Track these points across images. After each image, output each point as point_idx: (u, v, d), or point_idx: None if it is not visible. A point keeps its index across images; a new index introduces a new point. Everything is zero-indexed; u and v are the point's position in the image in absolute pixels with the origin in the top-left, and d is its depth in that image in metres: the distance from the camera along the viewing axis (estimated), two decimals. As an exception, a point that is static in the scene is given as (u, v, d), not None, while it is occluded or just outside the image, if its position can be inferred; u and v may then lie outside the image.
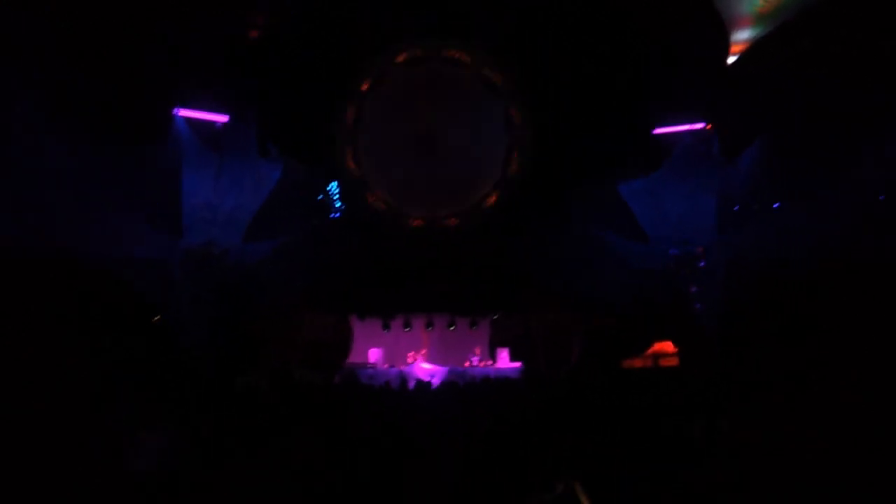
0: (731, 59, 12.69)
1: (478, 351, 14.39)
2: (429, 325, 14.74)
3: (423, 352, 14.45)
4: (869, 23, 11.07)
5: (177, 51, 12.25)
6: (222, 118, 13.54)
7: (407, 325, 14.67)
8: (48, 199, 10.87)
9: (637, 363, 12.96)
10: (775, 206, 13.24)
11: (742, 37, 12.53)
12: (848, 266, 11.39)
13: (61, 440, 6.57)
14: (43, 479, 5.86)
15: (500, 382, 11.26)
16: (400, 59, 14.45)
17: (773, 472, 6.16)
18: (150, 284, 12.38)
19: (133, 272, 11.97)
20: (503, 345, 14.30)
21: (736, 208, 13.49)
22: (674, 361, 12.93)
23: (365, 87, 14.51)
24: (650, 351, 13.21)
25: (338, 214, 14.47)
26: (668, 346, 13.18)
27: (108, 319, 11.29)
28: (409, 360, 14.16)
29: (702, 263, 13.59)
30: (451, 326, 14.77)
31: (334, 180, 14.48)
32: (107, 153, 11.62)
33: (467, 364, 14.03)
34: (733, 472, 6.30)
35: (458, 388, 10.47)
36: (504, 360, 13.94)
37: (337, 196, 14.49)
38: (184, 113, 13.36)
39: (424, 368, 13.35)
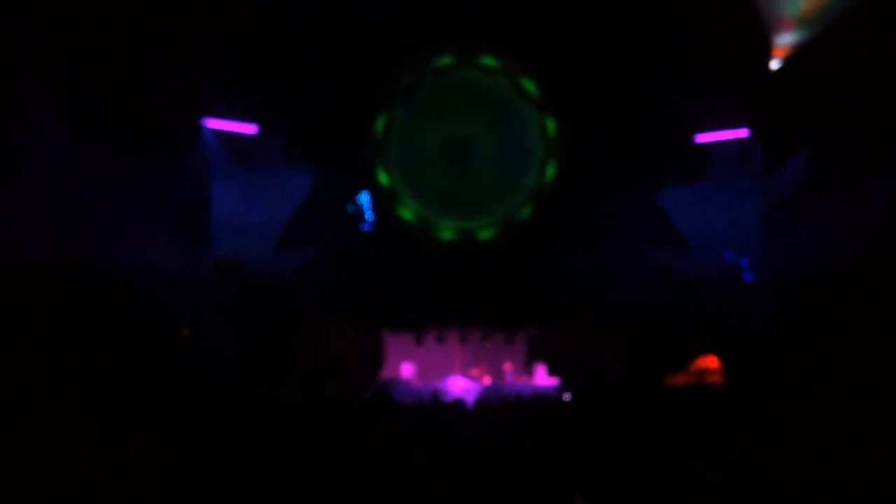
0: (774, 65, 12.40)
1: (507, 367, 14.01)
2: (463, 339, 14.39)
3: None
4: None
5: (204, 60, 12.17)
6: (251, 129, 13.43)
7: (440, 339, 14.33)
8: (73, 209, 10.79)
9: (680, 380, 12.56)
10: (821, 213, 12.84)
11: (785, 41, 12.24)
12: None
13: (79, 453, 6.43)
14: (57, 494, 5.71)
15: (538, 399, 10.96)
16: (432, 67, 14.21)
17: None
18: (177, 296, 12.26)
19: (159, 283, 11.85)
20: (540, 360, 13.93)
21: (781, 217, 13.07)
22: (718, 378, 12.53)
23: (397, 96, 14.29)
24: (693, 367, 12.78)
25: (369, 226, 14.23)
26: (712, 362, 12.74)
27: (132, 331, 11.19)
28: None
29: (746, 275, 13.17)
30: (486, 341, 14.41)
31: (365, 191, 14.24)
32: (134, 164, 11.57)
33: (489, 380, 13.67)
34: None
35: (495, 406, 10.17)
36: (542, 376, 13.57)
37: (368, 208, 14.25)
38: (212, 124, 13.26)
39: (459, 385, 13.00)
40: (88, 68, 10.89)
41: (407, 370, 13.74)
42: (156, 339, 11.66)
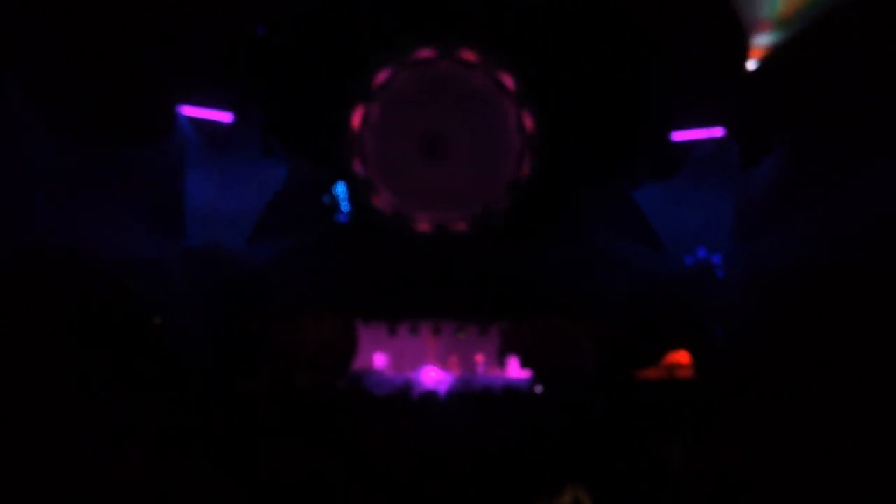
0: (750, 65, 12.47)
1: (479, 359, 14.05)
2: (436, 330, 14.39)
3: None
4: (893, 27, 10.86)
5: (179, 48, 12.03)
6: (227, 117, 13.30)
7: (413, 330, 14.32)
8: (45, 198, 10.63)
9: (651, 374, 12.66)
10: (796, 214, 12.94)
11: (762, 42, 12.32)
12: (871, 274, 11.17)
13: (57, 442, 6.38)
14: (38, 480, 5.66)
15: (510, 391, 10.99)
16: (410, 59, 14.18)
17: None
18: (151, 285, 12.13)
19: (133, 273, 11.72)
20: (513, 352, 13.96)
21: (755, 216, 13.16)
22: (689, 373, 12.64)
23: (374, 86, 14.24)
24: (665, 362, 12.88)
25: (344, 217, 14.17)
26: (683, 357, 12.85)
27: (106, 320, 11.07)
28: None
29: (719, 272, 13.27)
30: (459, 333, 14.42)
31: (341, 182, 14.17)
32: (107, 152, 11.40)
33: (460, 371, 13.68)
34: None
35: (467, 397, 10.20)
36: (514, 368, 13.61)
37: (344, 198, 14.19)
38: (187, 111, 13.11)
39: (432, 376, 13.01)
40: (61, 56, 10.71)
41: (380, 360, 13.72)
42: (128, 327, 11.55)
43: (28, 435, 6.39)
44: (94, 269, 11.06)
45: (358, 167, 14.44)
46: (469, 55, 14.29)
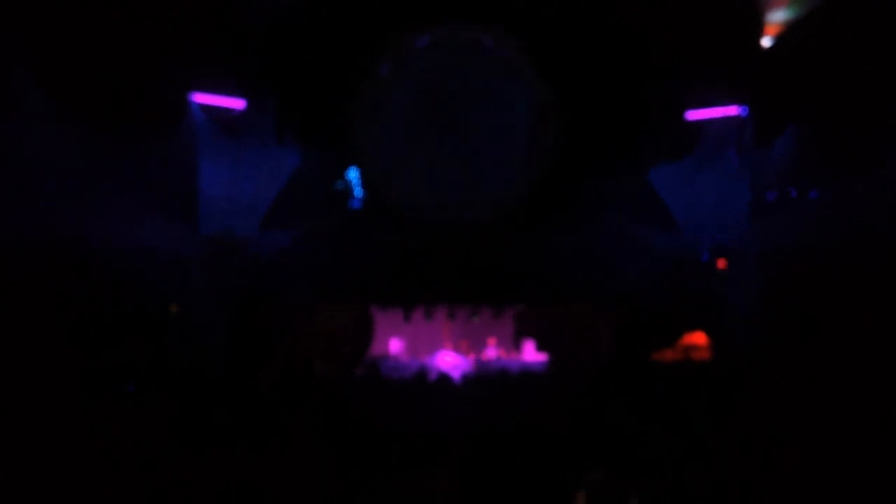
0: (765, 42, 12.33)
1: (494, 343, 14.05)
2: (451, 315, 14.41)
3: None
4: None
5: (190, 35, 11.99)
6: (239, 104, 13.27)
7: (428, 314, 14.34)
8: (57, 189, 10.67)
9: (668, 356, 12.65)
10: (811, 194, 12.84)
11: (777, 18, 12.17)
12: (888, 255, 11.10)
13: (70, 435, 6.44)
14: (46, 474, 5.72)
15: (526, 375, 11.02)
16: (424, 44, 14.08)
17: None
18: (166, 275, 12.19)
19: (148, 263, 11.76)
20: (528, 336, 13.97)
21: (770, 196, 13.06)
22: (705, 354, 12.62)
23: (386, 71, 14.16)
24: (681, 344, 12.87)
25: (358, 203, 14.16)
26: (699, 339, 12.83)
27: (123, 310, 11.14)
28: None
29: (734, 252, 13.19)
30: (474, 317, 14.43)
31: (353, 168, 14.15)
32: (119, 141, 11.41)
33: (477, 355, 13.69)
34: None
35: (483, 381, 10.23)
36: (530, 352, 13.63)
37: (357, 185, 14.17)
38: (199, 99, 13.09)
39: (448, 360, 13.05)
40: (71, 46, 10.70)
41: (395, 346, 13.77)
42: (145, 316, 11.63)
43: (47, 426, 6.46)
44: (110, 259, 11.13)
45: (370, 153, 14.38)
46: (483, 41, 14.16)
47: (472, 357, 13.49)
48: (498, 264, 13.90)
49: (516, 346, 14.14)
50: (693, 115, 13.50)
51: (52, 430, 6.41)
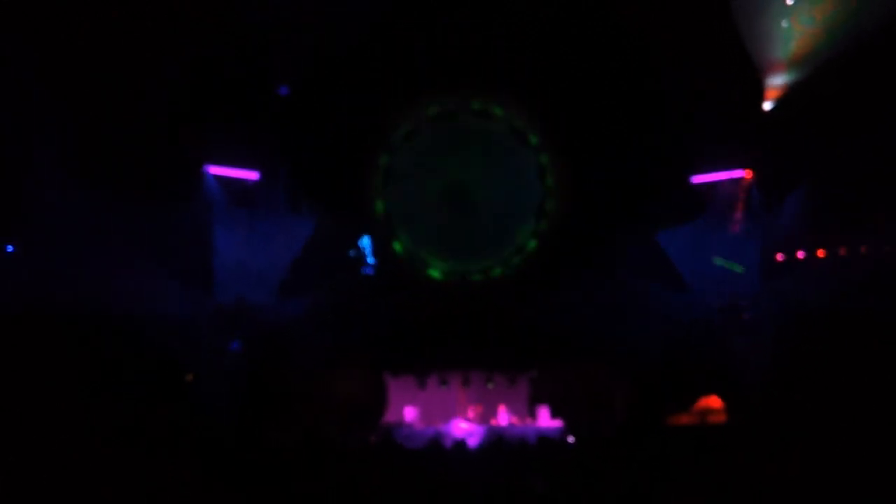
0: (766, 105, 12.54)
1: (508, 409, 13.90)
2: (465, 382, 14.32)
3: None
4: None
5: (206, 109, 12.33)
6: (253, 175, 13.52)
7: (443, 381, 14.26)
8: (76, 255, 10.87)
9: (684, 420, 12.52)
10: (820, 254, 12.90)
11: (777, 82, 12.40)
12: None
13: (87, 498, 6.44)
14: None
15: (542, 442, 10.91)
16: (431, 112, 14.44)
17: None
18: (182, 342, 12.26)
19: (162, 330, 11.86)
20: (543, 402, 13.83)
21: (780, 257, 13.11)
22: (721, 418, 12.49)
23: (396, 140, 14.47)
24: (696, 407, 12.75)
25: (370, 270, 14.27)
26: (714, 402, 12.71)
27: (139, 378, 11.19)
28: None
29: (747, 315, 13.17)
30: (490, 383, 14.34)
31: (365, 235, 14.32)
32: (137, 211, 11.66)
33: (493, 422, 13.52)
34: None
35: (498, 448, 10.13)
36: (544, 418, 13.48)
37: (369, 251, 14.32)
38: (214, 170, 13.35)
39: (462, 427, 12.92)
40: (93, 117, 11.03)
41: (410, 413, 13.66)
42: (160, 384, 11.66)
43: (52, 490, 6.46)
44: (127, 326, 11.24)
45: (382, 219, 14.59)
46: (487, 106, 14.49)
47: (486, 424, 13.33)
48: (511, 329, 13.90)
49: (531, 412, 13.99)
50: (699, 178, 13.65)
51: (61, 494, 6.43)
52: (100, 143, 11.22)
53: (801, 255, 12.97)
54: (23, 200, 10.53)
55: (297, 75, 13.14)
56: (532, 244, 14.72)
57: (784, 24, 11.59)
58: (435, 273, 14.71)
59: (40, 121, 10.61)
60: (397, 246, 14.68)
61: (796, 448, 8.34)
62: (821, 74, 11.76)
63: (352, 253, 14.26)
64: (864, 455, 7.50)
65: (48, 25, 10.17)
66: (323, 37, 12.74)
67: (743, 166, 13.55)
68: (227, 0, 11.76)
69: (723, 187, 13.66)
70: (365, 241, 14.34)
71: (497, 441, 10.43)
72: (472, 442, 11.00)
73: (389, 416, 13.94)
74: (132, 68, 11.10)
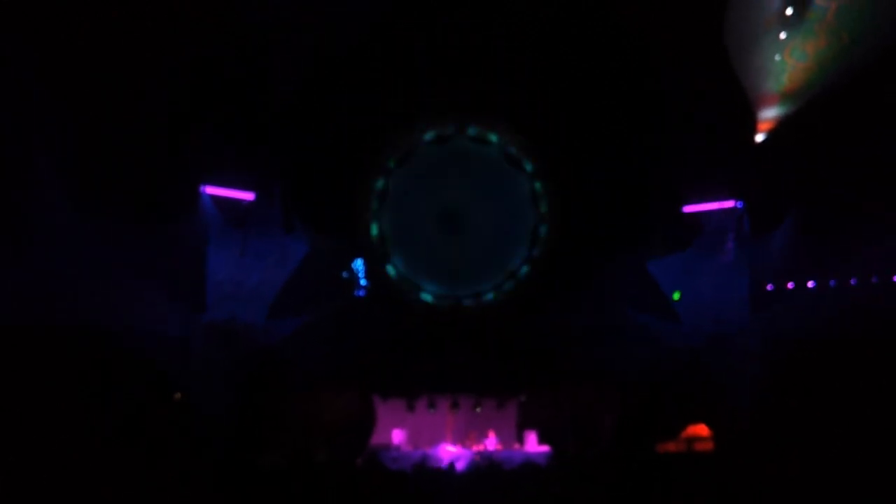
0: (759, 138, 12.65)
1: (496, 434, 13.89)
2: (454, 405, 14.32)
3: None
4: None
5: (202, 130, 12.41)
6: (248, 196, 13.58)
7: (431, 405, 14.27)
8: (70, 274, 10.89)
9: (671, 447, 12.53)
10: (810, 284, 12.98)
11: (769, 115, 12.51)
12: (887, 343, 11.15)
13: None
14: None
15: (528, 467, 10.91)
16: (426, 136, 14.57)
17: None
18: (172, 360, 12.27)
19: (155, 348, 11.88)
20: (531, 427, 13.84)
21: (769, 287, 13.19)
22: (708, 445, 12.50)
23: (391, 164, 14.60)
24: (684, 434, 12.76)
25: (362, 292, 14.33)
26: (702, 430, 12.73)
27: (127, 394, 11.19)
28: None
29: (735, 343, 13.21)
30: (477, 408, 14.35)
31: (359, 257, 14.39)
32: (133, 230, 11.70)
33: (481, 448, 13.49)
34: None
35: (485, 473, 10.14)
36: (532, 444, 13.47)
37: (361, 273, 14.38)
38: (210, 191, 13.43)
39: (449, 451, 12.92)
40: (89, 136, 11.09)
41: (398, 436, 13.66)
42: (150, 402, 11.65)
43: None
44: (118, 344, 11.25)
45: (375, 242, 14.67)
46: (482, 131, 14.63)
47: (474, 448, 13.32)
48: (501, 353, 13.94)
49: (519, 437, 13.99)
50: (690, 208, 13.76)
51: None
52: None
53: (790, 285, 13.04)
54: (22, 220, 10.53)
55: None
56: (524, 270, 14.83)
57: (777, 58, 11.69)
58: (427, 297, 14.80)
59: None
60: (390, 269, 14.79)
61: (783, 476, 8.37)
62: (812, 108, 11.86)
63: (345, 275, 14.32)
64: (851, 483, 7.54)
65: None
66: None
67: (734, 197, 13.67)
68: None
69: (713, 217, 13.76)
70: (358, 264, 14.40)
71: (483, 466, 10.44)
72: (459, 466, 10.98)
73: (377, 438, 13.95)
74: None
